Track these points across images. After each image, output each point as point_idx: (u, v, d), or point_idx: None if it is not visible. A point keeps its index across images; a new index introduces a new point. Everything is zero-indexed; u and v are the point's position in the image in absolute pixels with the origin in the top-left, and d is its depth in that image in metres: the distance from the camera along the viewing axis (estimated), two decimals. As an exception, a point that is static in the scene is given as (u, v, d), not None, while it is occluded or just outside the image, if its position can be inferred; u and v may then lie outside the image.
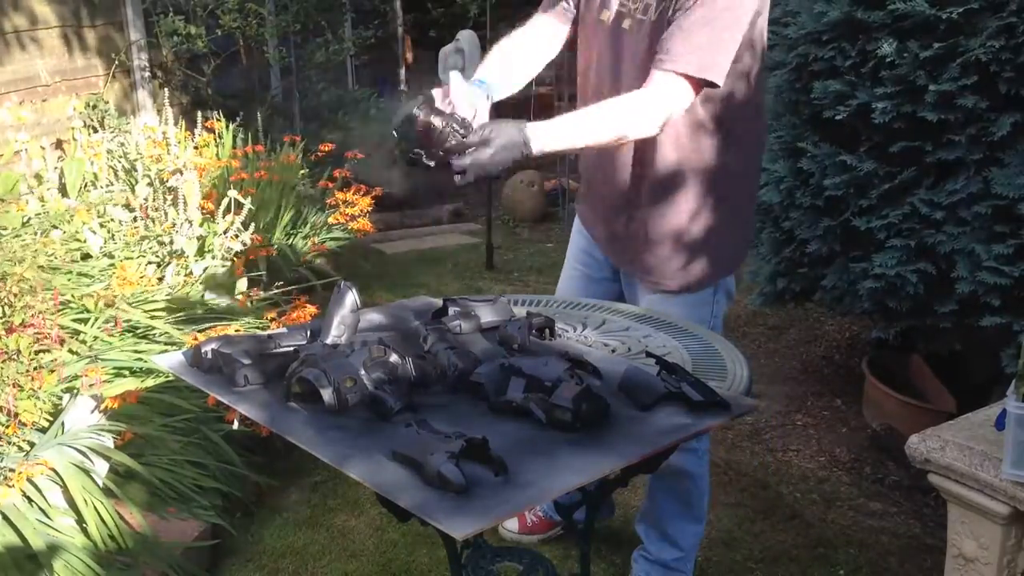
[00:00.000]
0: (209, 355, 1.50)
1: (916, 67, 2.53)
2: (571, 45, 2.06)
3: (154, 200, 3.54)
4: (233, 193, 3.51)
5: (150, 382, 2.56)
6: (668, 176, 1.94)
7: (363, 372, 1.35)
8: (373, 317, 1.71)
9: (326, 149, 4.46)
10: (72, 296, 2.83)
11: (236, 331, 2.70)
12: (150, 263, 3.27)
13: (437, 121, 1.56)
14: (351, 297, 1.53)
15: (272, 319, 2.89)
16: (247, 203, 3.50)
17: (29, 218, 3.44)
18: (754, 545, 2.53)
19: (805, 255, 2.98)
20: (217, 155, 4.20)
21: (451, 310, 1.65)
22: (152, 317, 2.84)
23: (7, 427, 2.27)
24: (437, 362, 1.43)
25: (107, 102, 4.47)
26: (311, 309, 2.88)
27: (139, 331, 2.79)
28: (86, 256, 3.27)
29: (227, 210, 3.48)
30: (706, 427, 1.36)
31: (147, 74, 4.84)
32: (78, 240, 3.33)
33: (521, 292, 4.44)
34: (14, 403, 2.29)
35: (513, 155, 1.58)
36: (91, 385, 2.40)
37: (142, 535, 2.22)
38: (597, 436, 1.28)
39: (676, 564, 2.22)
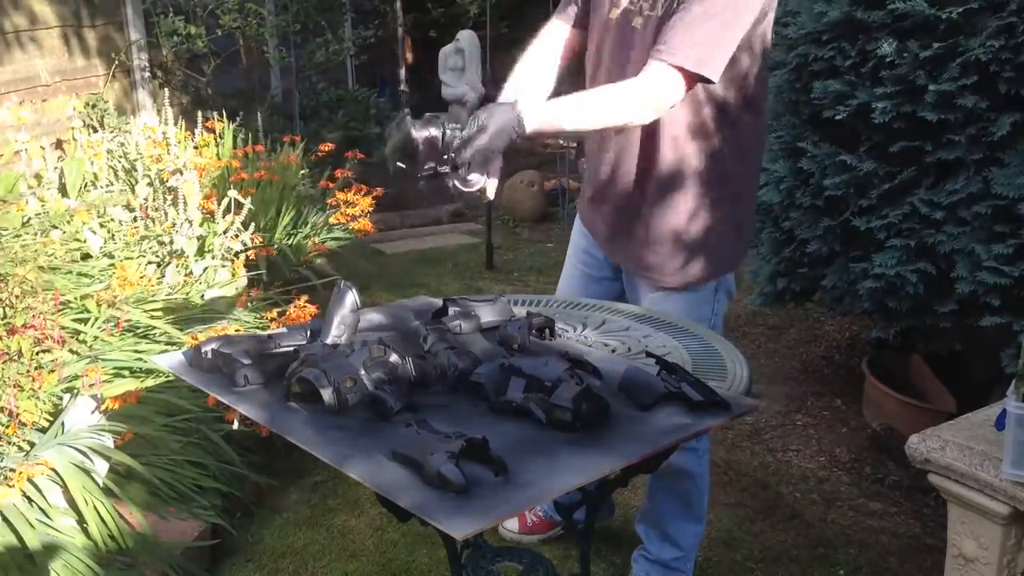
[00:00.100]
0: (209, 355, 1.50)
1: (916, 67, 2.53)
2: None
3: (154, 200, 3.54)
4: (233, 193, 3.51)
5: (150, 382, 2.56)
6: (669, 175, 1.94)
7: (363, 372, 1.35)
8: (373, 317, 1.71)
9: (326, 149, 4.46)
10: (72, 296, 2.83)
11: (236, 331, 2.70)
12: (150, 263, 3.27)
13: (435, 131, 1.57)
14: (351, 297, 1.53)
15: (272, 319, 2.89)
16: (247, 203, 3.50)
17: (29, 218, 3.43)
18: (754, 545, 2.53)
19: (805, 255, 2.98)
20: (217, 155, 4.20)
21: (451, 310, 1.65)
22: (152, 317, 2.84)
23: (7, 427, 2.27)
24: (437, 362, 1.43)
25: (107, 102, 4.47)
26: (311, 309, 2.88)
27: (139, 331, 2.79)
28: (86, 256, 3.27)
29: (227, 210, 3.49)
30: (706, 427, 1.36)
31: (147, 74, 4.85)
32: (78, 240, 3.33)
33: (521, 292, 4.44)
34: (15, 403, 2.29)
35: (509, 135, 1.59)
36: (91, 385, 2.40)
37: (142, 535, 2.22)
38: (597, 436, 1.28)
39: (676, 564, 2.22)
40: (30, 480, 2.16)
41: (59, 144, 4.29)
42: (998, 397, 1.71)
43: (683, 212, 1.96)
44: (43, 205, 3.60)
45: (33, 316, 2.51)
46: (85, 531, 2.16)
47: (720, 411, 1.36)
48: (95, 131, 4.26)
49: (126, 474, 2.33)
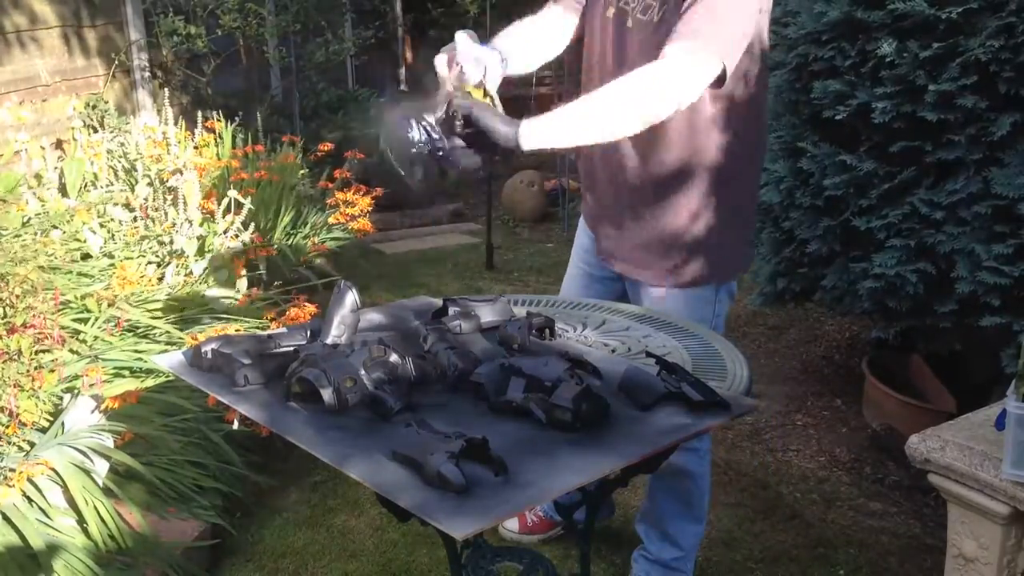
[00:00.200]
0: (209, 355, 1.50)
1: (916, 67, 2.53)
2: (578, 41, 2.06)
3: (154, 200, 3.54)
4: (233, 193, 3.52)
5: (150, 382, 2.56)
6: (669, 176, 1.94)
7: (363, 372, 1.35)
8: (373, 317, 1.71)
9: (326, 149, 4.46)
10: (72, 296, 2.83)
11: (236, 331, 2.70)
12: (150, 263, 3.27)
13: (441, 103, 1.53)
14: (351, 297, 1.53)
15: (272, 319, 2.89)
16: (247, 203, 3.50)
17: (29, 218, 3.44)
18: (754, 545, 2.53)
19: (805, 255, 2.98)
20: (217, 155, 4.21)
21: (451, 310, 1.65)
22: (152, 317, 2.84)
23: (7, 427, 2.27)
24: (437, 362, 1.43)
25: (107, 102, 4.47)
26: (311, 309, 2.88)
27: (139, 331, 2.79)
28: (86, 256, 3.27)
29: (227, 210, 3.49)
30: (706, 427, 1.36)
31: (147, 74, 4.85)
32: (78, 240, 3.33)
33: (521, 292, 4.44)
34: (15, 403, 2.29)
35: (504, 152, 1.55)
36: (91, 385, 2.40)
37: (142, 535, 2.22)
38: (597, 436, 1.28)
39: (676, 564, 2.22)
40: (30, 480, 2.16)
41: (59, 144, 4.29)
42: (998, 397, 1.72)
43: (683, 213, 1.96)
44: (43, 205, 3.60)
45: (33, 316, 2.51)
46: (85, 531, 2.16)
47: (720, 411, 1.36)
48: (95, 131, 4.26)
49: (126, 474, 2.33)
